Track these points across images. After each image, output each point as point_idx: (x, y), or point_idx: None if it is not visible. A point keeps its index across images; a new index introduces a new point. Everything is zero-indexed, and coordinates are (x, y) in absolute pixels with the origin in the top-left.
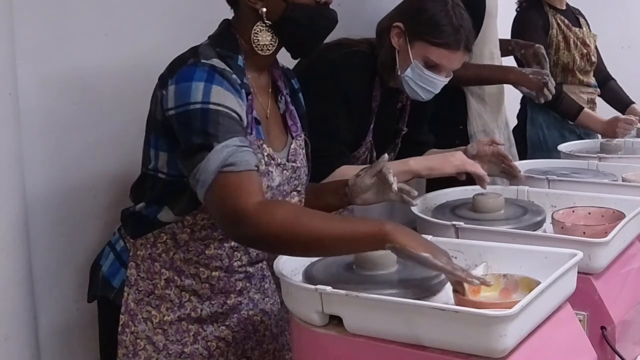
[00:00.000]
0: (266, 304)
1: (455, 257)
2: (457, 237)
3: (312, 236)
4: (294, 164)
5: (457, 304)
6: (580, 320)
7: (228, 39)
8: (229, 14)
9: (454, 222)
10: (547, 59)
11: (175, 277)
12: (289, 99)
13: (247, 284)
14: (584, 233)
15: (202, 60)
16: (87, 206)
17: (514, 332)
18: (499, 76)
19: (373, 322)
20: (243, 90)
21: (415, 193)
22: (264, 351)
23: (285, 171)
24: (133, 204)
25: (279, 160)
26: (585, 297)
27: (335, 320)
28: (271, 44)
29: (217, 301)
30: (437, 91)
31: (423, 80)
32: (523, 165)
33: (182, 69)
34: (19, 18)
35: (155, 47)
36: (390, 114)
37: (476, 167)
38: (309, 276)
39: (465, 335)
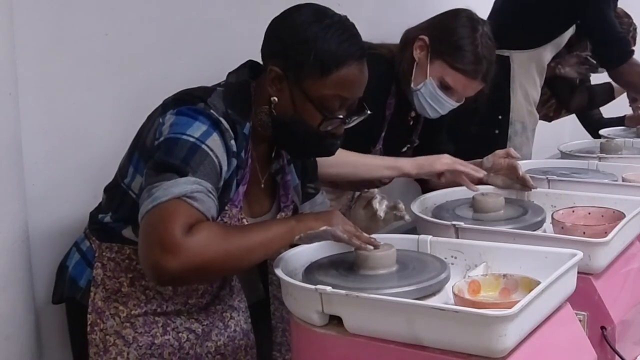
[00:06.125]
0: (234, 301)
1: (455, 258)
2: (457, 237)
3: (242, 249)
4: None
5: (457, 304)
6: (580, 320)
7: (243, 101)
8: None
9: (454, 222)
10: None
11: (140, 278)
12: (286, 167)
13: (209, 288)
14: (584, 233)
15: (212, 111)
16: (87, 206)
17: (514, 332)
18: None
19: (373, 322)
20: (234, 159)
21: (402, 207)
22: (236, 347)
23: None
24: (102, 207)
25: None
26: (585, 297)
27: (335, 320)
28: (269, 128)
29: (179, 300)
30: (444, 112)
31: (433, 99)
32: (523, 166)
33: (189, 106)
34: (19, 18)
35: (155, 47)
36: (403, 124)
37: (465, 167)
38: (309, 276)
39: (465, 335)
